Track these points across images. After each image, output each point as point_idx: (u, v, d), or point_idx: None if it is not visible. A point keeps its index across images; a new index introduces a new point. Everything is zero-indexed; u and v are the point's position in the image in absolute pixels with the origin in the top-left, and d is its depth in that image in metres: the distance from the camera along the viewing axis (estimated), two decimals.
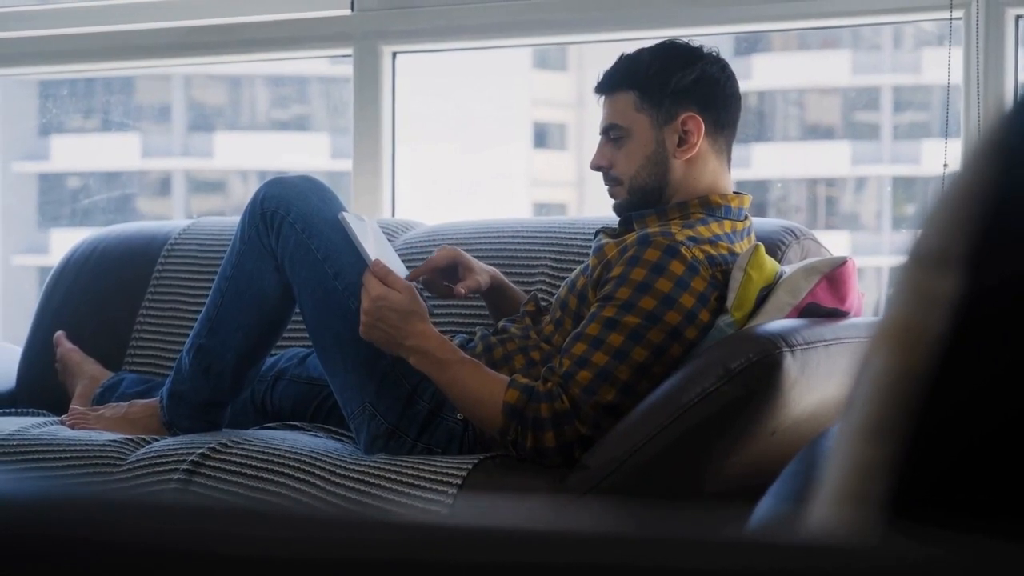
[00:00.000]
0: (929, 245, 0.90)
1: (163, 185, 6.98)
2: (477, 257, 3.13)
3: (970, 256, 0.87)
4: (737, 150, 2.92)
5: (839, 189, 6.60)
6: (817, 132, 6.51)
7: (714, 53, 2.88)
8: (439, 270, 3.02)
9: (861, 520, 0.87)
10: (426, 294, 2.99)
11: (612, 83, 2.89)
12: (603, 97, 2.92)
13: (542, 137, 7.20)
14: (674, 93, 2.84)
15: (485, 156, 6.14)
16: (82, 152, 6.27)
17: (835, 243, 6.11)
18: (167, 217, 6.68)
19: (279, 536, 0.71)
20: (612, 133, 2.89)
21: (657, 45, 2.90)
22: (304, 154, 6.70)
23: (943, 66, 3.31)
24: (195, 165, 6.92)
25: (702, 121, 2.85)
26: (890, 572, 0.72)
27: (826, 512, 0.90)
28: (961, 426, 0.86)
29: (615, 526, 0.75)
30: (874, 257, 5.94)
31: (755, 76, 6.03)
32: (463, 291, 2.99)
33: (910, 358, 0.88)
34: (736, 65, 3.08)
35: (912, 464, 0.87)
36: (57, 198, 6.38)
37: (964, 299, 0.87)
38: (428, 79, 4.57)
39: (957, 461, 0.86)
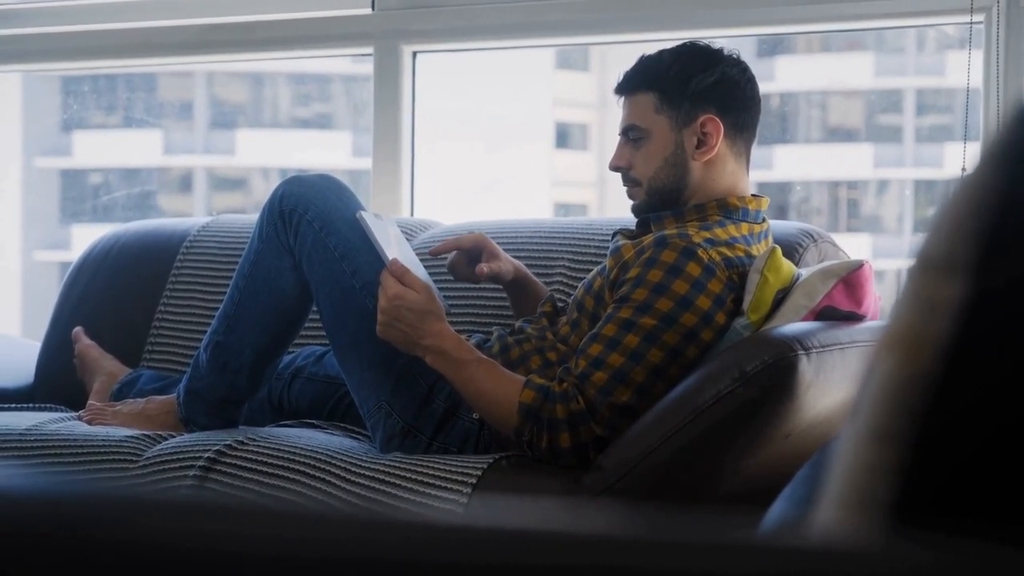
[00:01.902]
0: (935, 250, 0.90)
1: (185, 182, 6.99)
2: None
3: (976, 261, 0.87)
4: (759, 152, 2.91)
5: (861, 192, 6.58)
6: (839, 134, 6.50)
7: (734, 55, 2.88)
8: (463, 252, 3.02)
9: (865, 524, 0.87)
10: (443, 292, 2.99)
11: (632, 84, 2.89)
12: (623, 98, 2.92)
13: (564, 137, 7.20)
14: (694, 95, 2.84)
15: (507, 156, 6.14)
16: (104, 148, 6.29)
17: (856, 246, 6.10)
18: (188, 214, 6.69)
19: (293, 535, 0.71)
20: (631, 134, 2.89)
21: (678, 47, 2.89)
22: (326, 152, 6.71)
23: (965, 69, 3.31)
24: (217, 162, 6.93)
25: (721, 123, 2.84)
26: None
27: (831, 516, 0.90)
28: (966, 431, 0.86)
29: (620, 528, 0.75)
30: (895, 260, 5.92)
31: (778, 78, 6.03)
32: (485, 270, 2.99)
33: (915, 363, 0.88)
34: (759, 67, 3.07)
35: (917, 468, 0.87)
36: (79, 194, 6.39)
37: (969, 304, 0.87)
38: (451, 79, 4.57)
39: (962, 466, 0.86)
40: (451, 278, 3.11)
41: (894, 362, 0.89)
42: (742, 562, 0.73)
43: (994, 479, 0.86)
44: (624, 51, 3.85)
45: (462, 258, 3.04)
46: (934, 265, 0.89)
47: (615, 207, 2.85)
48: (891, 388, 0.89)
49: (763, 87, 2.92)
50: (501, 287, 3.17)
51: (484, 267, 3.00)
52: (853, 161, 6.42)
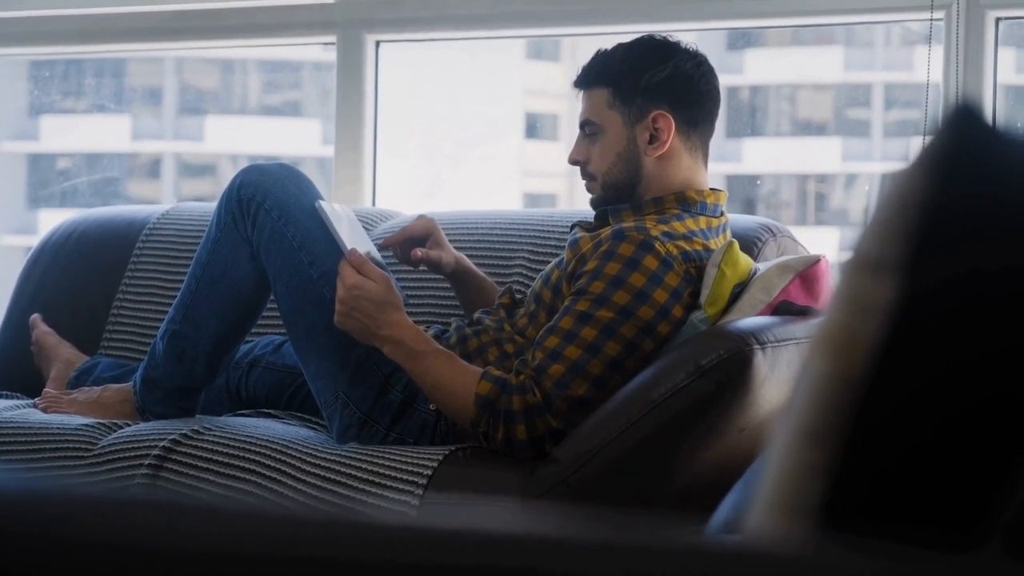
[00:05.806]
0: (867, 250, 0.90)
1: (153, 168, 6.97)
2: (455, 248, 3.13)
3: (906, 262, 0.87)
4: (728, 144, 2.91)
5: (829, 185, 6.61)
6: (809, 128, 6.51)
7: (691, 49, 2.87)
8: (413, 239, 3.02)
9: (797, 526, 0.87)
10: (402, 283, 2.99)
11: (587, 79, 2.89)
12: (581, 91, 2.92)
13: (534, 127, 7.20)
14: (645, 91, 2.83)
15: (477, 146, 6.14)
16: (72, 133, 6.26)
17: (824, 239, 6.11)
18: (157, 201, 6.67)
19: (244, 534, 0.71)
20: (587, 129, 2.89)
21: (633, 41, 2.89)
22: (295, 140, 6.70)
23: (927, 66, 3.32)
24: (185, 149, 6.91)
25: (673, 119, 2.84)
26: None
27: (764, 517, 0.90)
28: (896, 432, 0.86)
29: (558, 531, 0.75)
30: None
31: (747, 71, 6.03)
32: (419, 254, 2.99)
33: (846, 363, 0.88)
34: (728, 60, 3.06)
35: (847, 469, 0.87)
36: (46, 179, 6.37)
37: (900, 305, 0.86)
38: (421, 70, 4.56)
39: (892, 467, 0.86)
40: (409, 269, 3.11)
41: (826, 362, 0.89)
42: (675, 566, 0.73)
43: (923, 480, 0.86)
44: (594, 43, 3.85)
45: (409, 244, 3.04)
46: (866, 265, 0.89)
47: (585, 197, 2.87)
48: (822, 388, 0.89)
49: (732, 80, 2.90)
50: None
51: (419, 251, 2.99)
52: (822, 155, 6.44)
